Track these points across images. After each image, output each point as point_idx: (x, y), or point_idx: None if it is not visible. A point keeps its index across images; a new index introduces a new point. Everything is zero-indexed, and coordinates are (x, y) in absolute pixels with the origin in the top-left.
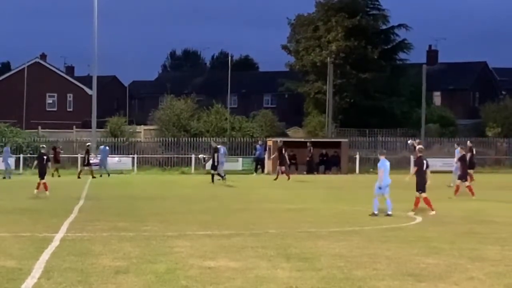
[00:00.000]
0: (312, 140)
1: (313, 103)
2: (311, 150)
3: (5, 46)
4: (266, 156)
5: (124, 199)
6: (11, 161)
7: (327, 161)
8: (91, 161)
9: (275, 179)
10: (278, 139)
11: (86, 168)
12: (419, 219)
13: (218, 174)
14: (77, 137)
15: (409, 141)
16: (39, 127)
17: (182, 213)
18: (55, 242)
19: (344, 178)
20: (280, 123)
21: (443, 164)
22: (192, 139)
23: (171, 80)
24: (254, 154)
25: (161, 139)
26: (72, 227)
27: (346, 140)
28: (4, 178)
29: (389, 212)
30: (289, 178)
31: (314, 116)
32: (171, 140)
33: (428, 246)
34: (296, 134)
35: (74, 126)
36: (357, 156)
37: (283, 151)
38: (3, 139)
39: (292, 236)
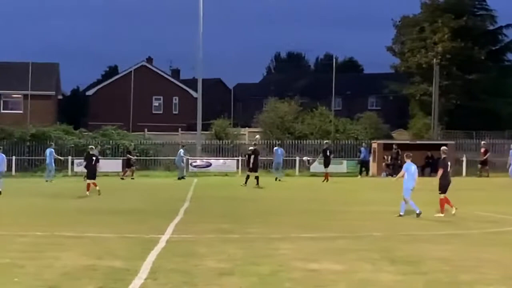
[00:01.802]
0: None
1: (418, 105)
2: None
3: (112, 50)
4: (370, 159)
5: (228, 201)
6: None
7: (432, 163)
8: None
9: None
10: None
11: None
12: None
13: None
14: (182, 140)
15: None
16: (145, 130)
17: (286, 215)
18: (161, 244)
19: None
20: (385, 125)
21: None
22: (296, 141)
23: (275, 83)
24: (359, 157)
25: (265, 141)
26: (178, 229)
27: (452, 142)
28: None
29: (401, 213)
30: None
31: (419, 118)
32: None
33: None
34: (400, 136)
35: (180, 129)
36: (464, 159)
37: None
38: (110, 141)
39: (396, 239)
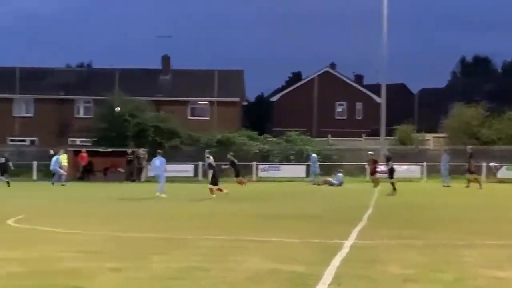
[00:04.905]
0: None
1: None
2: None
3: (296, 56)
4: None
5: (412, 207)
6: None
7: None
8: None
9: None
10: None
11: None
12: None
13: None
14: (365, 145)
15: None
16: (329, 135)
17: (469, 221)
18: (345, 249)
19: None
20: None
21: None
22: (482, 147)
23: (461, 87)
24: None
25: (450, 147)
26: (361, 235)
27: None
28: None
29: None
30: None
31: None
32: (461, 148)
33: None
34: None
35: (363, 134)
36: None
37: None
38: (294, 147)
39: None
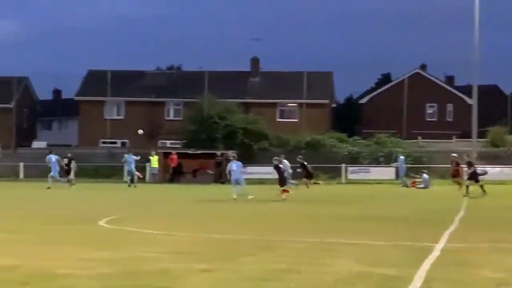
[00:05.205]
0: None
1: None
2: None
3: (386, 58)
4: None
5: (505, 210)
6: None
7: None
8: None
9: None
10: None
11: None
12: None
13: None
14: (456, 147)
15: None
16: (419, 137)
17: None
18: (435, 252)
19: None
20: None
21: None
22: None
23: None
24: None
25: None
26: (452, 237)
27: None
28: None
29: None
30: None
31: None
32: None
33: None
34: None
35: (454, 136)
36: None
37: None
38: (384, 149)
39: None
